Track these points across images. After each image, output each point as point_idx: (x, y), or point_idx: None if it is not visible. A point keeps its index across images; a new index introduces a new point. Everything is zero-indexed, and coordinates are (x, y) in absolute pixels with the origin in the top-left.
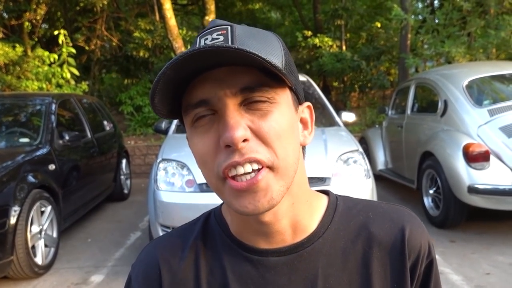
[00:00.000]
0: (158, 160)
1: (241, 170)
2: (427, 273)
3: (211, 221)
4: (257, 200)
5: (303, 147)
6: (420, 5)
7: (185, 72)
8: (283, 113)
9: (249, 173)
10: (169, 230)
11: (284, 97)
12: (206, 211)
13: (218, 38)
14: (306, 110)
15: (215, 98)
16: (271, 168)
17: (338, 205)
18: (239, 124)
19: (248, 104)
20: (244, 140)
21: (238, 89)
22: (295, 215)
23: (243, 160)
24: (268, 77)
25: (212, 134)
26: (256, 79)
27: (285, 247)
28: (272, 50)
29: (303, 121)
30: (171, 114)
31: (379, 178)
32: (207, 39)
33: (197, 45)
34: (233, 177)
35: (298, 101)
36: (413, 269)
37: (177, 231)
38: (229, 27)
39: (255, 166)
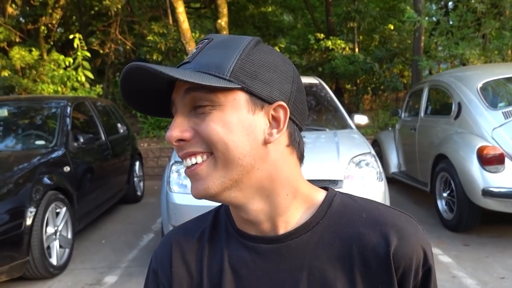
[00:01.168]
0: (171, 163)
1: (186, 163)
2: (425, 283)
3: (221, 212)
4: (196, 187)
5: (296, 147)
6: (434, 7)
7: (140, 83)
8: (226, 114)
9: (194, 165)
10: None
11: (229, 99)
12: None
13: (193, 51)
14: (279, 109)
15: (175, 99)
16: (212, 157)
17: (334, 201)
18: (178, 125)
19: (196, 109)
20: (182, 140)
21: (183, 90)
22: (273, 207)
23: (182, 155)
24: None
25: None
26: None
27: (275, 236)
28: (222, 57)
29: (275, 119)
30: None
31: (392, 181)
32: (194, 50)
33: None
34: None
35: (262, 101)
36: (405, 279)
37: (194, 220)
38: (206, 41)
39: (199, 159)
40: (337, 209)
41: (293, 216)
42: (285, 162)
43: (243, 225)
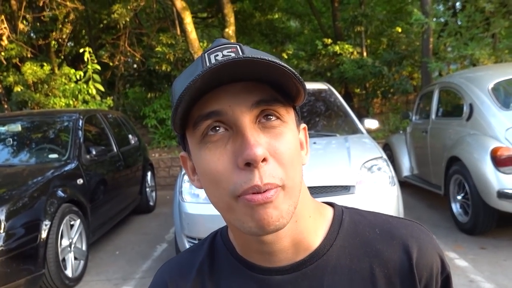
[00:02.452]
0: (183, 172)
1: (259, 196)
2: None
3: (217, 241)
4: (271, 216)
5: None
6: (441, 7)
7: (210, 84)
8: (292, 133)
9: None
10: (195, 241)
11: (292, 116)
12: (212, 232)
13: (230, 55)
14: (302, 132)
15: (230, 111)
16: (282, 187)
17: (343, 220)
18: (259, 142)
19: (263, 123)
20: (264, 160)
21: (253, 102)
22: (298, 233)
23: (264, 186)
24: (280, 94)
25: (227, 152)
26: (270, 94)
27: (288, 265)
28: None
29: (299, 142)
30: (182, 129)
31: (405, 185)
32: (217, 55)
33: (207, 61)
34: None
35: (299, 121)
36: None
37: (186, 253)
38: (237, 46)
39: (272, 192)
40: (348, 228)
41: (308, 241)
42: (303, 182)
43: (254, 255)
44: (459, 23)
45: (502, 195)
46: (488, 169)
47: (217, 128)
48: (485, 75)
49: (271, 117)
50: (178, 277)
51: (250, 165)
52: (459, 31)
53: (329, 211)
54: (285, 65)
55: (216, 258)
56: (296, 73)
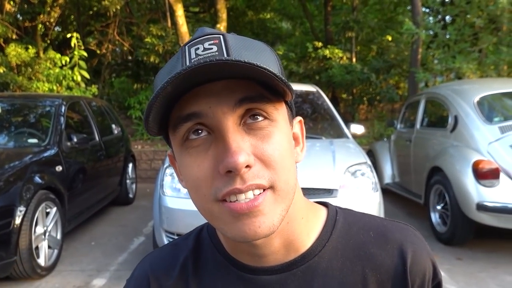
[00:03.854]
0: (165, 166)
1: (242, 197)
2: None
3: (203, 236)
4: (257, 226)
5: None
6: (431, 19)
7: (183, 86)
8: (283, 133)
9: (251, 198)
10: (173, 236)
11: (281, 112)
12: (198, 226)
13: (211, 48)
14: (297, 125)
15: (210, 113)
16: (272, 189)
17: (337, 221)
18: (242, 149)
19: (248, 124)
20: (247, 166)
21: (236, 101)
22: (289, 235)
23: (246, 188)
24: (267, 91)
25: (208, 157)
26: (255, 91)
27: (278, 266)
28: (268, 62)
29: (294, 137)
30: (161, 131)
31: (386, 192)
32: (198, 48)
33: (187, 56)
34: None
35: (292, 115)
36: None
37: (169, 247)
38: (221, 36)
39: (257, 192)
40: (342, 229)
41: (299, 242)
42: (297, 182)
43: (242, 255)
44: (448, 36)
45: (481, 207)
46: (469, 181)
47: (199, 131)
48: (471, 89)
49: (257, 117)
50: (160, 273)
51: (231, 172)
52: (447, 44)
53: (323, 212)
54: (265, 67)
55: (201, 255)
56: (277, 74)
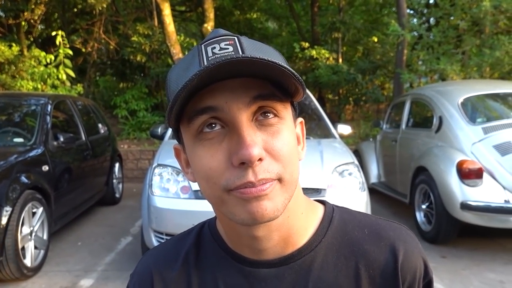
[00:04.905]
0: (154, 165)
1: (253, 189)
2: None
3: (204, 231)
4: (264, 208)
5: None
6: (416, 21)
7: (204, 82)
8: (290, 130)
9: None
10: (162, 236)
11: (289, 112)
12: (200, 222)
13: (227, 48)
14: (299, 126)
15: (226, 108)
16: (279, 180)
17: (333, 218)
18: (255, 142)
19: (260, 120)
20: (259, 159)
21: (251, 98)
22: (289, 228)
23: (258, 182)
24: (278, 90)
25: (222, 149)
26: (268, 89)
27: (276, 259)
28: (279, 60)
29: (296, 136)
30: (177, 122)
31: (372, 192)
32: (214, 48)
33: (204, 54)
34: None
35: (296, 115)
36: None
37: (171, 242)
38: (235, 38)
39: (267, 185)
40: (338, 226)
41: (298, 237)
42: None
43: (242, 248)
44: (432, 38)
45: (465, 206)
46: (453, 181)
47: (213, 125)
48: (456, 90)
49: (268, 114)
50: (163, 266)
51: (244, 163)
52: (431, 46)
53: (320, 209)
54: (285, 66)
55: (202, 248)
56: (295, 73)
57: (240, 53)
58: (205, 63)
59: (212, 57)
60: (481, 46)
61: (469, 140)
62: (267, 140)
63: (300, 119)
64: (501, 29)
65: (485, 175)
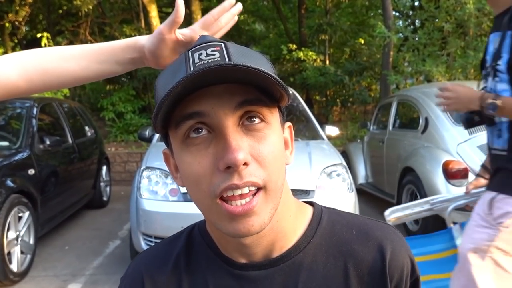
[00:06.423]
0: (142, 168)
1: (238, 191)
2: None
3: (194, 234)
4: (251, 224)
5: None
6: (401, 23)
7: (189, 88)
8: (277, 135)
9: (246, 193)
10: (151, 239)
11: (275, 116)
12: (190, 225)
13: (214, 54)
14: (287, 130)
15: (212, 113)
16: (264, 189)
17: (322, 219)
18: (241, 147)
19: (246, 125)
20: (245, 164)
21: (237, 103)
22: (278, 232)
23: (243, 184)
24: (264, 95)
25: (208, 155)
26: (253, 95)
27: (266, 261)
28: (266, 69)
29: (284, 141)
30: (162, 130)
31: (360, 192)
32: (201, 54)
33: (191, 60)
34: (227, 200)
35: (283, 120)
36: None
37: (161, 245)
38: (222, 44)
39: (252, 188)
40: (326, 227)
41: (286, 238)
42: (286, 182)
43: (231, 251)
44: (418, 39)
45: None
46: (439, 181)
47: (200, 130)
48: None
49: (254, 119)
50: (153, 269)
51: (230, 168)
52: (417, 48)
53: (309, 210)
54: (268, 72)
55: (193, 251)
56: (279, 80)
57: (227, 59)
58: (192, 69)
59: (199, 63)
60: (466, 48)
61: (455, 141)
62: (253, 146)
63: (289, 124)
64: (485, 31)
65: (470, 175)
